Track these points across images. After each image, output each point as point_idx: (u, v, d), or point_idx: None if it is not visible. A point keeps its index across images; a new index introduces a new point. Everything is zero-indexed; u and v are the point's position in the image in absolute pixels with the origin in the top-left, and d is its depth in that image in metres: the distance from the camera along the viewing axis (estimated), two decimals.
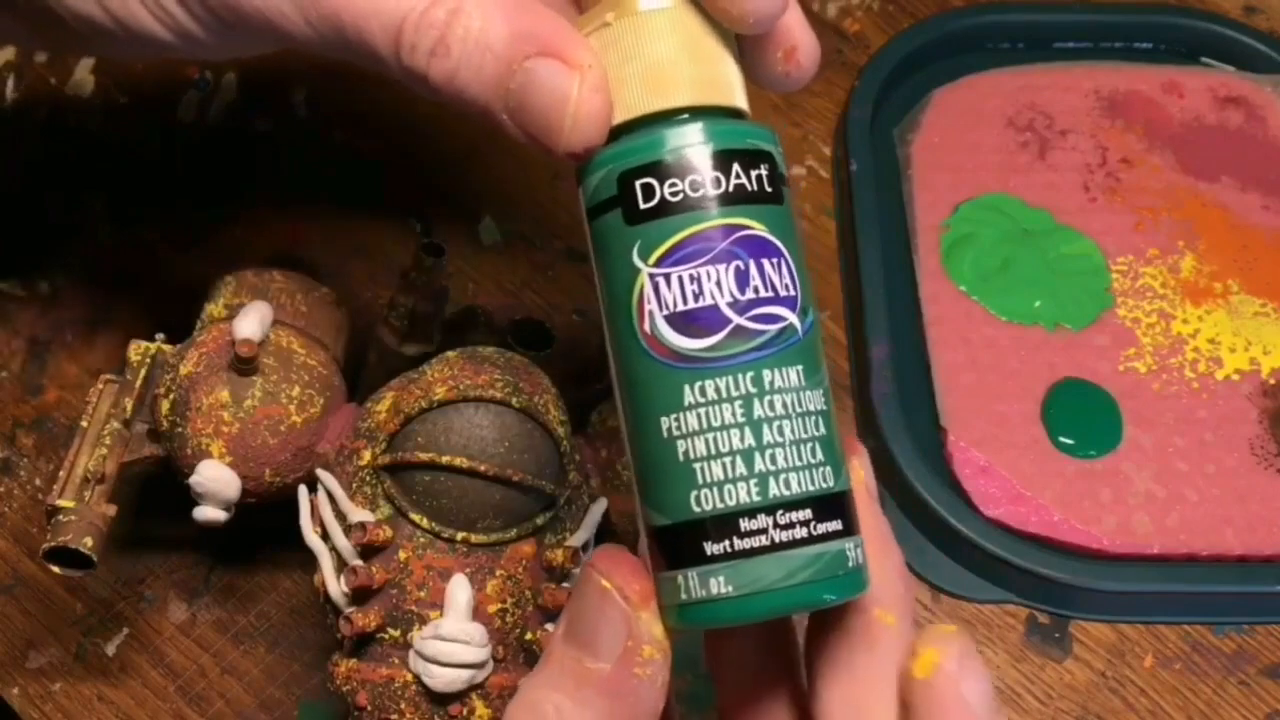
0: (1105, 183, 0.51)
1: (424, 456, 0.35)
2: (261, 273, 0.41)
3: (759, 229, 0.26)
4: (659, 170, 0.26)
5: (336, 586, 0.36)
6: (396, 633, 0.35)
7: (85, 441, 0.39)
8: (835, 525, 0.26)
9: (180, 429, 0.38)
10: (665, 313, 0.26)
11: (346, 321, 0.42)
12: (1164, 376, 0.47)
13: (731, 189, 0.26)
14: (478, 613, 0.35)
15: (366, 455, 0.36)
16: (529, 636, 0.36)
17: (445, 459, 0.35)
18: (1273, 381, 0.48)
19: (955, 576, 0.45)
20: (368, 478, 0.36)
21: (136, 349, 0.40)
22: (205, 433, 0.37)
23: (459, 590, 0.35)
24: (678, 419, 0.26)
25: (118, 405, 0.39)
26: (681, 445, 0.26)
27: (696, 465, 0.26)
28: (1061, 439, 0.46)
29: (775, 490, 0.25)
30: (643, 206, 0.26)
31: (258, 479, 0.38)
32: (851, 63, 0.56)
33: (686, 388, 0.26)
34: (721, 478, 0.25)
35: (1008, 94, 0.53)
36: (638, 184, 0.26)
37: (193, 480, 0.37)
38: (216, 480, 0.37)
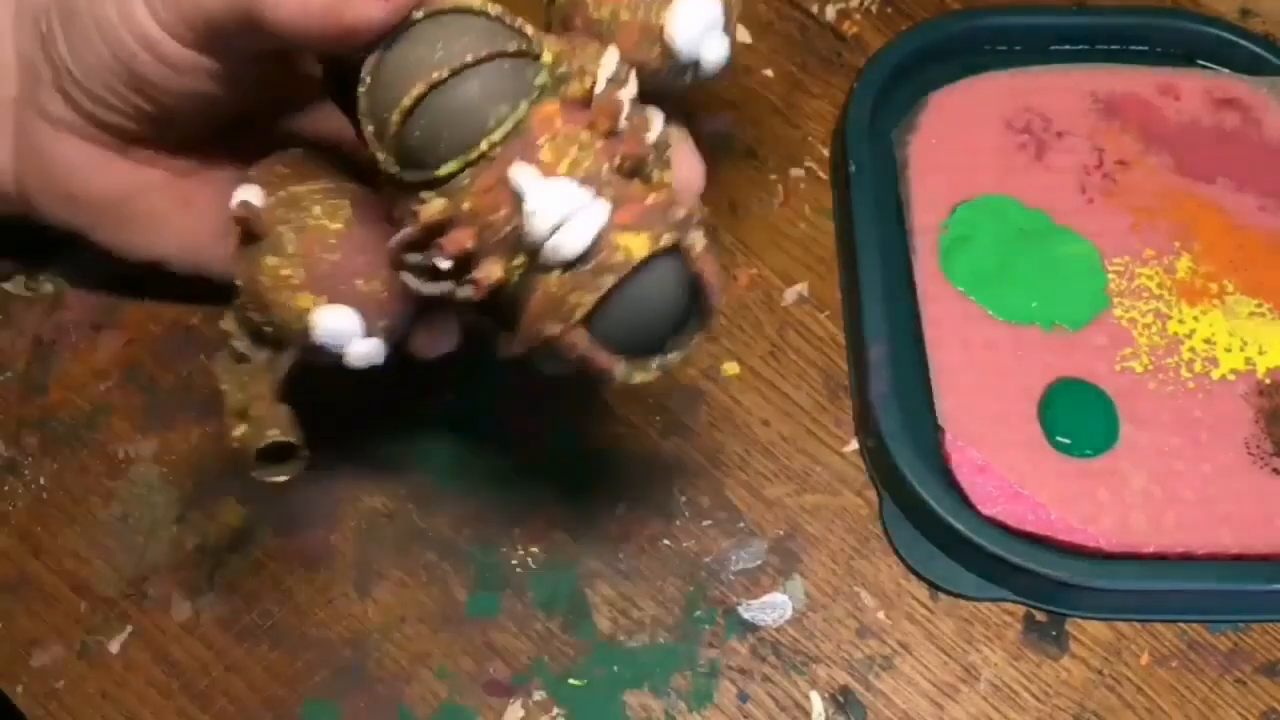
0: (1102, 184, 0.52)
1: (394, 117, 0.34)
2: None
3: None
4: None
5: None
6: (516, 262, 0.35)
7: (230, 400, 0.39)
8: None
9: (268, 315, 0.38)
10: None
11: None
12: (1160, 376, 0.48)
13: None
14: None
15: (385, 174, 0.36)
16: (616, 163, 0.35)
17: (406, 99, 0.34)
18: (1268, 381, 0.48)
19: (952, 574, 0.45)
20: (396, 190, 0.36)
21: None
22: (286, 298, 0.37)
23: (521, 176, 0.34)
24: None
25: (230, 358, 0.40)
26: None
27: None
28: (1059, 438, 0.46)
29: None
30: None
31: (357, 295, 0.38)
32: (850, 65, 0.56)
33: None
34: None
35: (1005, 96, 0.54)
36: None
37: (318, 339, 0.37)
38: (332, 321, 0.37)
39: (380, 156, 0.36)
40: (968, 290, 0.49)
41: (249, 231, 0.38)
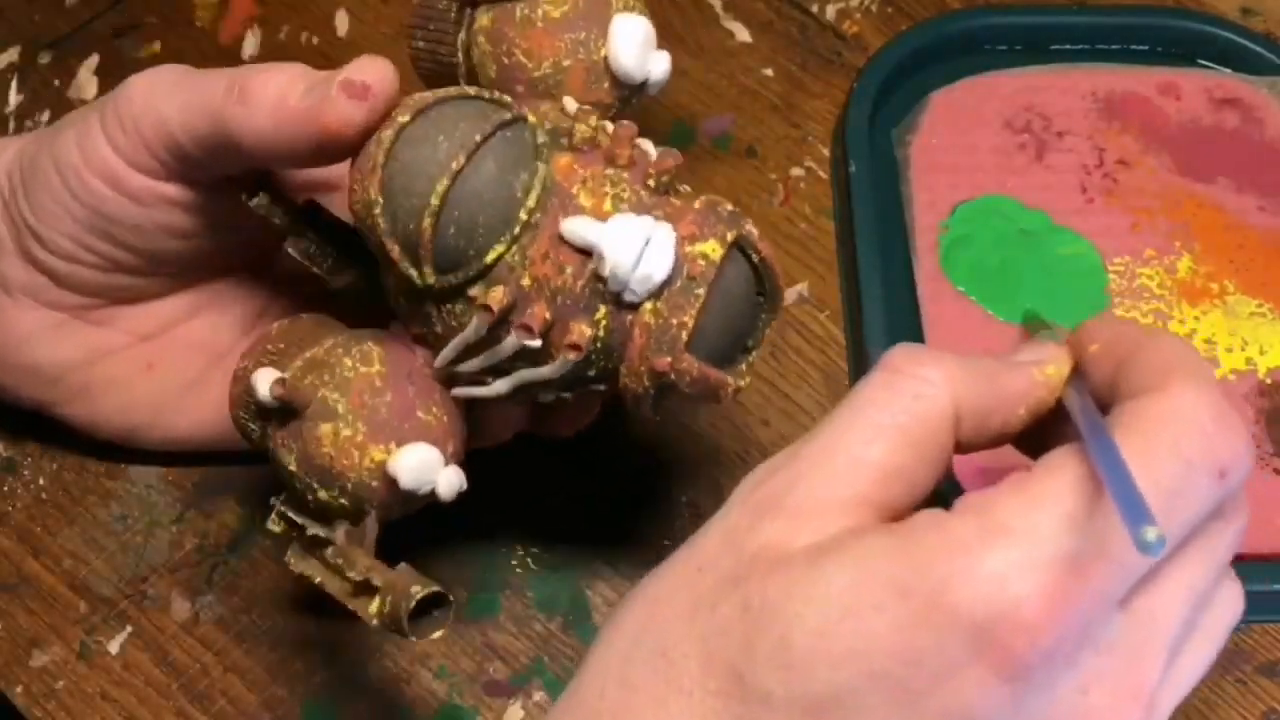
0: (1102, 184, 0.52)
1: (424, 222, 0.34)
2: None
3: None
4: None
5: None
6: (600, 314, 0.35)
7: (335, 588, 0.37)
8: None
9: (339, 484, 0.36)
10: None
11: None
12: None
13: None
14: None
15: (421, 281, 0.36)
16: (651, 184, 0.35)
17: (434, 198, 0.34)
18: (1269, 381, 0.48)
19: None
20: (434, 302, 0.36)
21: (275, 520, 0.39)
22: (354, 459, 0.36)
23: (579, 227, 0.34)
24: None
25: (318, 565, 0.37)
26: None
27: None
28: None
29: None
30: None
31: (422, 427, 0.37)
32: (850, 64, 0.56)
33: None
34: None
35: (1005, 96, 0.54)
36: None
37: (405, 486, 0.36)
38: (413, 460, 0.36)
39: (414, 273, 0.35)
40: (968, 290, 0.49)
41: (289, 408, 0.36)
